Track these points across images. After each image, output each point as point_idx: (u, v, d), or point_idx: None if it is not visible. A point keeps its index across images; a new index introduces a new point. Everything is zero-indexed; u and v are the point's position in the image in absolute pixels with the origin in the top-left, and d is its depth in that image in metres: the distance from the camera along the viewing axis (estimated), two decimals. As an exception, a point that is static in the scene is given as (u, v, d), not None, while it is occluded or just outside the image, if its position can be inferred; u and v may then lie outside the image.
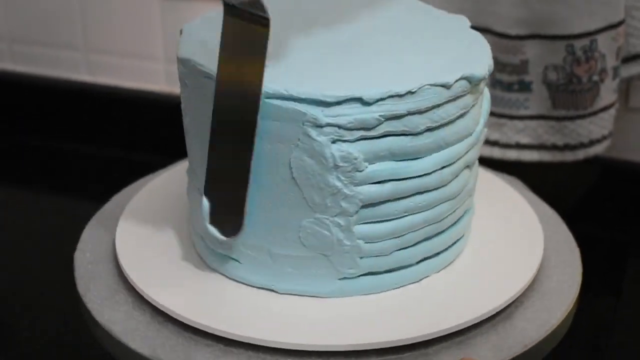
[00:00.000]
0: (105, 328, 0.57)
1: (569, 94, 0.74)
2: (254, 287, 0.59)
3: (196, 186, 0.60)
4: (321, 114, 0.53)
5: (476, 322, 0.56)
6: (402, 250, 0.58)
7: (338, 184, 0.54)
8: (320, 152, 0.54)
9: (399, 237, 0.57)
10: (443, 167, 0.57)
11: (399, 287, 0.59)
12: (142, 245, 0.63)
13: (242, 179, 0.55)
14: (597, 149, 0.76)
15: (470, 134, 0.58)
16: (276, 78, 0.54)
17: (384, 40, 0.59)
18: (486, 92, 0.61)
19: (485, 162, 0.74)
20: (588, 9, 0.72)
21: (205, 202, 0.56)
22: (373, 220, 0.56)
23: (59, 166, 0.88)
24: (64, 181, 0.85)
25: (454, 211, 0.60)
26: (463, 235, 0.62)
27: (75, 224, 0.68)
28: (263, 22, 0.52)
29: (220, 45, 0.54)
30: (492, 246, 0.63)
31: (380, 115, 0.53)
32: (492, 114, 0.74)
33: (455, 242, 0.61)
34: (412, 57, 0.57)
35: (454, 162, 0.57)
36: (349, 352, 0.54)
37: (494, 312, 0.57)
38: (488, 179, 0.72)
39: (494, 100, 0.74)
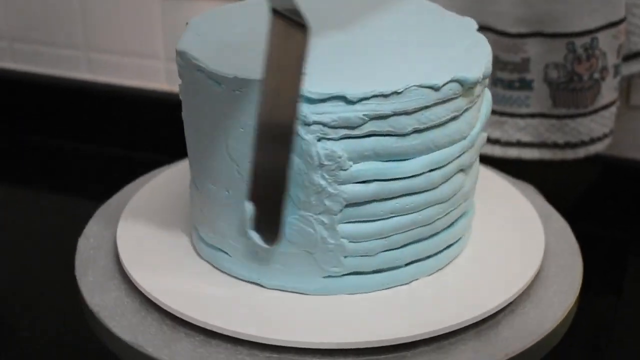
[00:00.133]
0: (93, 311, 0.58)
1: (570, 92, 0.74)
2: (242, 280, 0.59)
3: (193, 179, 0.61)
4: (308, 112, 0.53)
5: (457, 328, 0.55)
6: (389, 252, 0.57)
7: (322, 182, 0.54)
8: (307, 150, 0.53)
9: (385, 237, 0.57)
10: (432, 170, 0.56)
11: (387, 289, 0.58)
12: (141, 236, 0.64)
13: (281, 184, 0.54)
14: (598, 147, 0.76)
15: (464, 138, 0.58)
16: None
17: (384, 40, 0.59)
18: (487, 96, 0.61)
19: (488, 161, 0.74)
20: (589, 7, 0.72)
21: (250, 208, 0.55)
22: (358, 220, 0.56)
23: (59, 165, 0.88)
24: (64, 180, 0.85)
25: (447, 214, 0.59)
26: (460, 238, 0.62)
27: (76, 224, 0.68)
28: (303, 29, 0.52)
29: (266, 51, 0.53)
30: (491, 250, 0.63)
31: (364, 115, 0.53)
32: (493, 112, 0.74)
33: (450, 245, 0.61)
34: (406, 57, 0.57)
35: (444, 165, 0.57)
36: (326, 350, 0.54)
37: (478, 319, 0.56)
38: (501, 185, 0.71)
39: (495, 98, 0.74)
